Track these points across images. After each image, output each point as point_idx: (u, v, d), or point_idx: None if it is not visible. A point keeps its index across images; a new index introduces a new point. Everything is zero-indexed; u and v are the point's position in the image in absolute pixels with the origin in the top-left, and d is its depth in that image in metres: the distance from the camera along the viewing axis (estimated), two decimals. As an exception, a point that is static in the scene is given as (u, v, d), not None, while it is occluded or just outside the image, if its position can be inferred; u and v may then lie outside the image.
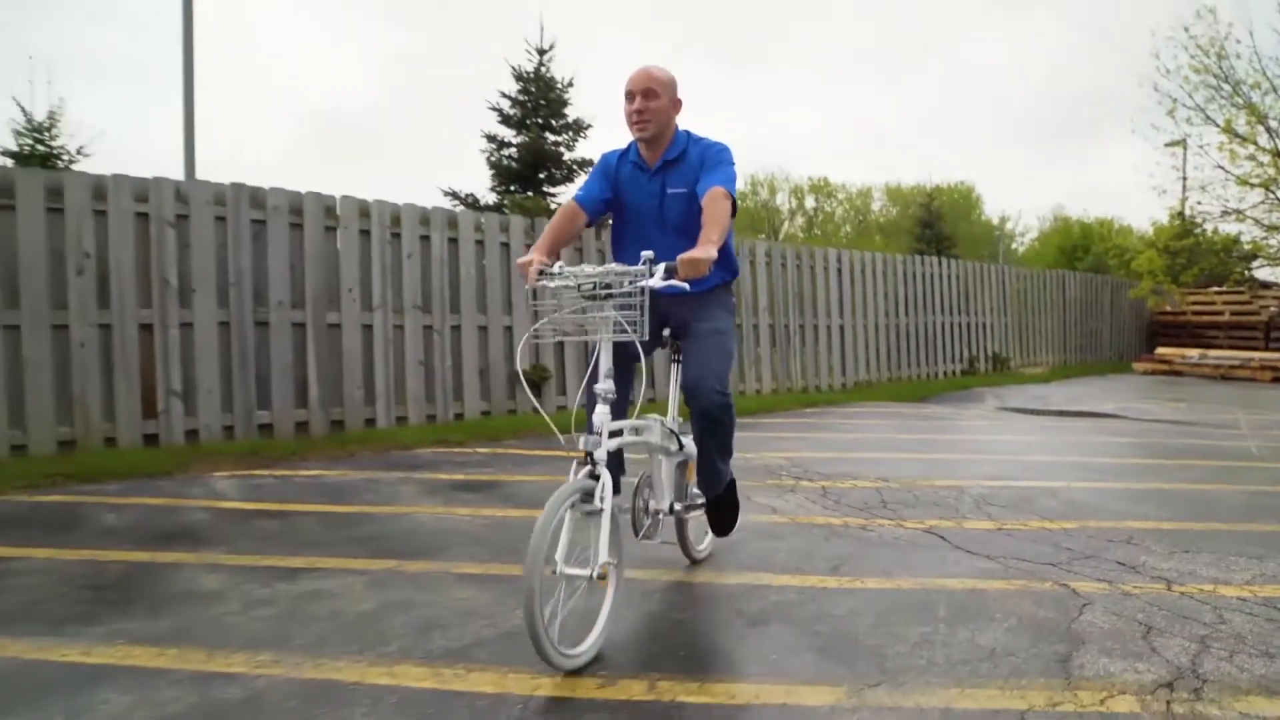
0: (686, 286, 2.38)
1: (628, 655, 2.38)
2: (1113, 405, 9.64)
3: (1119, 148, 67.43)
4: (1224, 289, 17.10)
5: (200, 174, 8.03)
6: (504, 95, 9.92)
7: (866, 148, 73.68)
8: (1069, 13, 73.12)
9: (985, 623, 2.61)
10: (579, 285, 2.37)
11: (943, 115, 73.37)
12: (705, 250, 2.39)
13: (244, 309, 6.27)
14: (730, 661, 2.35)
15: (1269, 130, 16.28)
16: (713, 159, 2.78)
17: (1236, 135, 16.38)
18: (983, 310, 13.72)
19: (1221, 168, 16.81)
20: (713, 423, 2.75)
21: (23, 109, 8.94)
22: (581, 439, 2.34)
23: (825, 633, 2.53)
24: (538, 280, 2.44)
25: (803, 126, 73.43)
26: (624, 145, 2.96)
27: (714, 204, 2.60)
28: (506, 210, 9.28)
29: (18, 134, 8.85)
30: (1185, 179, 17.88)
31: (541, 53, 9.93)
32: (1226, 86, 16.38)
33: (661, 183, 2.83)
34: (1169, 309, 17.62)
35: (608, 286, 2.36)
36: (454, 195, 9.66)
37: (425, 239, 7.22)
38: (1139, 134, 34.32)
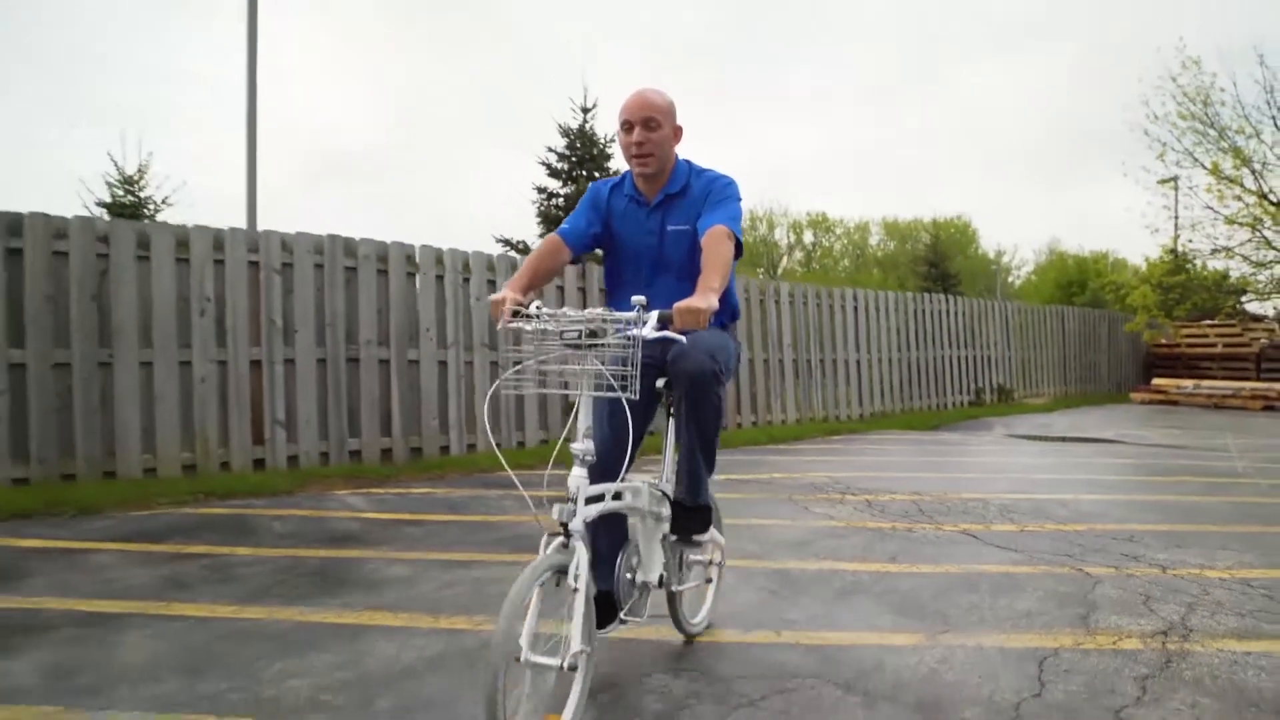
0: (682, 339, 2.16)
1: (752, 617, 3.11)
2: (1113, 432, 10.38)
3: (1114, 182, 68.93)
4: (1216, 322, 17.88)
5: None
6: (550, 150, 10.82)
7: (863, 180, 75.24)
8: (1065, 49, 75.10)
9: (1019, 594, 3.35)
10: (561, 332, 2.10)
11: (939, 148, 75.12)
12: (705, 299, 2.13)
13: (338, 347, 7.04)
14: (829, 619, 3.07)
15: (1254, 172, 17.27)
16: (718, 194, 2.56)
17: (1224, 177, 17.36)
18: (987, 344, 14.52)
19: (1210, 208, 17.80)
20: (700, 397, 2.42)
21: (115, 163, 9.80)
22: (555, 508, 2.04)
23: (896, 601, 3.28)
24: (511, 321, 2.18)
25: (799, 159, 75.05)
26: (616, 176, 2.78)
27: (715, 245, 2.36)
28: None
29: (111, 186, 9.68)
30: (1177, 218, 18.85)
31: (585, 111, 10.85)
32: (1213, 132, 17.42)
33: (661, 219, 2.61)
34: (1164, 341, 18.42)
35: (593, 334, 2.08)
36: (507, 242, 10.49)
37: (491, 283, 8.02)
38: (1131, 176, 35.54)
